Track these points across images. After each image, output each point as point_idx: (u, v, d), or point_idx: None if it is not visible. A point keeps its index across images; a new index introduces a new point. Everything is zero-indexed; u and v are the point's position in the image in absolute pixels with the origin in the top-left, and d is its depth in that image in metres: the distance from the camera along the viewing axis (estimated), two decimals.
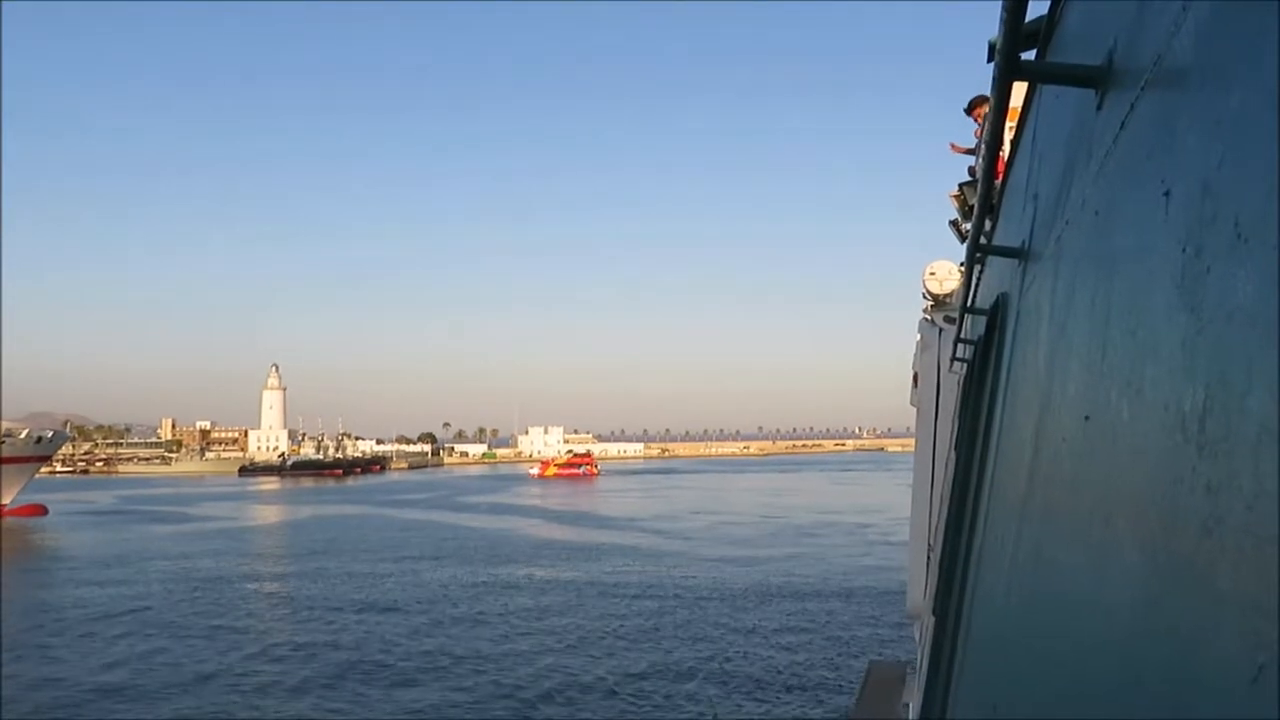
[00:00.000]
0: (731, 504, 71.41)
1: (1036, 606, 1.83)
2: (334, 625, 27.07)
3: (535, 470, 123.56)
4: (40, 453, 66.64)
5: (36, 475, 67.44)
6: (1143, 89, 1.28)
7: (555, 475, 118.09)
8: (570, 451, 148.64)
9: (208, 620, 28.09)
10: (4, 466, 60.65)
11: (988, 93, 2.26)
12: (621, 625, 26.49)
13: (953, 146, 11.42)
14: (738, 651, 23.25)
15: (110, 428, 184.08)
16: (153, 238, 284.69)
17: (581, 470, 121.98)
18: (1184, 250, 0.99)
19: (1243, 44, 0.87)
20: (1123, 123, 1.41)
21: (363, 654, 23.43)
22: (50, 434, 69.03)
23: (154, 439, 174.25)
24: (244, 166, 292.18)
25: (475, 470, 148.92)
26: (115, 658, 23.33)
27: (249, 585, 35.24)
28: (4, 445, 60.88)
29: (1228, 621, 0.74)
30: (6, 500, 61.55)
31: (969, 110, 9.74)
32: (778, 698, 19.33)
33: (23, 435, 63.60)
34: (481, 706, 18.90)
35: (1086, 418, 1.49)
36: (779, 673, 21.16)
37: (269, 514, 71.65)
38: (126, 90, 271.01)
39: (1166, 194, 1.10)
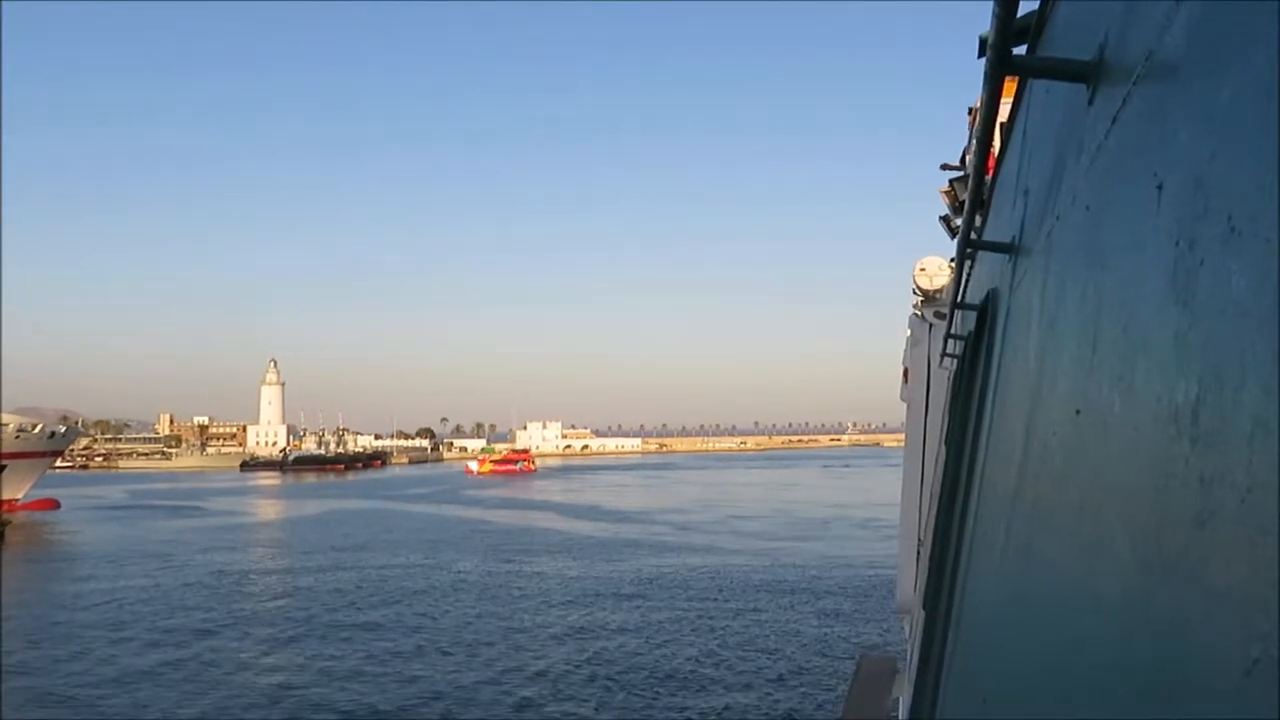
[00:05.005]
0: (737, 498, 71.57)
1: (1027, 600, 1.83)
2: (372, 614, 27.23)
3: (474, 465, 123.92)
4: (54, 448, 65.60)
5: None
6: (1134, 83, 1.28)
7: (492, 471, 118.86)
8: (568, 447, 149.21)
9: (251, 613, 28.34)
10: (18, 461, 59.44)
11: (979, 87, 2.26)
12: (613, 617, 26.57)
13: (944, 166, 11.87)
14: (732, 642, 23.35)
15: (108, 423, 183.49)
16: (146, 231, 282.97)
17: (519, 466, 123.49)
18: (1177, 244, 0.99)
19: (1235, 38, 0.87)
20: (1114, 117, 1.41)
21: (395, 642, 23.54)
22: (64, 429, 67.47)
23: (151, 434, 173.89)
24: (239, 160, 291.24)
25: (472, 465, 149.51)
26: (151, 654, 23.26)
27: (282, 578, 35.66)
28: (18, 440, 59.28)
29: (1221, 614, 0.74)
30: (19, 495, 60.50)
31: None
32: (770, 690, 19.38)
33: (36, 430, 61.34)
34: (470, 690, 18.96)
35: (1077, 411, 1.48)
36: (771, 665, 21.25)
37: (280, 509, 71.93)
38: (119, 83, 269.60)
39: (1159, 188, 1.10)
